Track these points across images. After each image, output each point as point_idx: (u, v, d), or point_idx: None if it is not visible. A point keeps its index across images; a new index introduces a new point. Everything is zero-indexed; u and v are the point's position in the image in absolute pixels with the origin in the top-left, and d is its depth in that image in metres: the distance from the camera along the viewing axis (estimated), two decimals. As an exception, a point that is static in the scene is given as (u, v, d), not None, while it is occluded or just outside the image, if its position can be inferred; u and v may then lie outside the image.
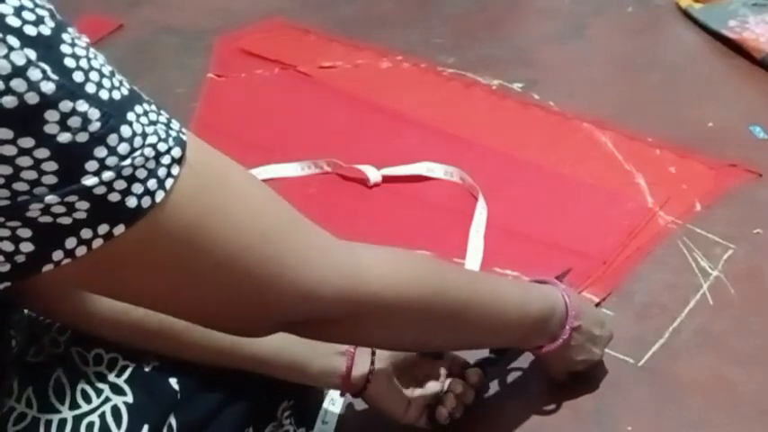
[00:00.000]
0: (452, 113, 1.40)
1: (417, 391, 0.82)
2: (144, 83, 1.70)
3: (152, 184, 0.46)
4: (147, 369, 0.66)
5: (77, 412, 0.63)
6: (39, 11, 0.43)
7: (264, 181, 1.24)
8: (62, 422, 0.63)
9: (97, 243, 0.45)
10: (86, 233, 0.45)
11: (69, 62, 0.43)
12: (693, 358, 0.95)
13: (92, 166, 0.44)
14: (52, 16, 0.44)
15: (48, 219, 0.44)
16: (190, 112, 1.42)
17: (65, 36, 0.44)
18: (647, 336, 0.98)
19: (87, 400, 0.64)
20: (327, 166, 1.25)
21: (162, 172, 0.46)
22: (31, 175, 0.42)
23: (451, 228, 1.15)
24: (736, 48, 1.56)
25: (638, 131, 1.33)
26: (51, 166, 0.43)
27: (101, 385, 0.65)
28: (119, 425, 0.63)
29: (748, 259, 1.09)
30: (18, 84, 0.41)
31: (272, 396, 0.75)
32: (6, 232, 0.44)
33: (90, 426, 0.63)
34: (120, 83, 0.46)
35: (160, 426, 0.65)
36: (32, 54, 0.41)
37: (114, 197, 0.45)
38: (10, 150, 0.42)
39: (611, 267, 1.06)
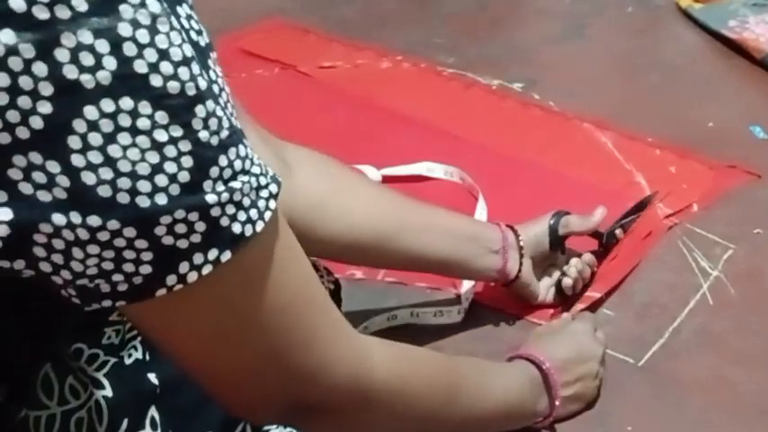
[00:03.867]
0: (452, 113, 1.40)
1: (546, 278, 1.00)
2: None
3: (253, 213, 0.46)
4: (127, 363, 0.65)
5: (66, 408, 0.63)
6: (201, 26, 0.46)
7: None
8: (51, 418, 0.63)
9: (206, 269, 0.45)
10: (198, 258, 0.45)
11: (212, 74, 0.45)
12: (693, 358, 0.95)
13: (214, 172, 0.44)
14: (208, 35, 0.46)
15: (169, 240, 0.43)
16: (190, 112, 1.42)
17: (212, 54, 0.46)
18: (647, 336, 0.98)
19: (76, 395, 0.64)
20: (327, 166, 1.25)
21: (262, 204, 0.47)
22: (172, 168, 0.42)
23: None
24: (736, 48, 1.56)
25: (638, 131, 1.33)
26: (188, 161, 0.43)
27: (85, 379, 0.65)
28: (100, 420, 0.63)
29: (748, 259, 1.09)
30: (183, 72, 0.41)
31: None
32: (132, 254, 0.43)
33: (79, 422, 0.63)
34: (234, 115, 0.47)
35: (141, 419, 0.65)
36: (193, 53, 0.43)
37: (225, 221, 0.45)
38: (161, 136, 0.42)
39: (612, 266, 1.06)
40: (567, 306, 1.00)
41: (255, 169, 0.47)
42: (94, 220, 0.41)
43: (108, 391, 0.64)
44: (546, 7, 1.79)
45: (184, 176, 0.43)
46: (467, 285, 1.03)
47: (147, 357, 0.65)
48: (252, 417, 0.61)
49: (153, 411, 0.65)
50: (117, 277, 0.45)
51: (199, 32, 0.45)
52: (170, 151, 0.42)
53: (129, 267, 0.44)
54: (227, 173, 0.45)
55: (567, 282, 0.98)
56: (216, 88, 0.45)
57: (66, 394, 0.64)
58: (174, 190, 0.43)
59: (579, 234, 0.99)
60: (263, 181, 0.47)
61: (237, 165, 0.45)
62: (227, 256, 0.45)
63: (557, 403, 0.82)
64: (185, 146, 0.43)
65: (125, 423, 0.64)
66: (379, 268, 0.92)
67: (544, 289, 1.00)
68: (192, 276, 0.45)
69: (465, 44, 1.62)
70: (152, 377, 0.65)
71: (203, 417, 0.68)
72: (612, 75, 1.54)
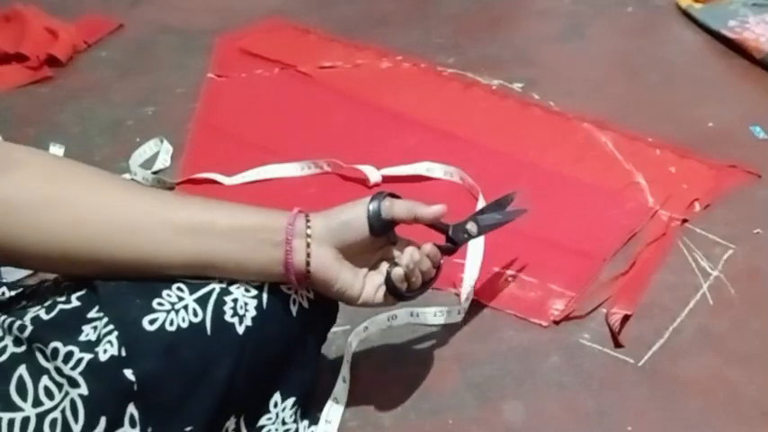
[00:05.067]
0: (452, 113, 1.40)
1: (371, 272, 0.80)
2: (144, 83, 1.72)
3: None
4: (102, 360, 0.65)
5: (41, 410, 0.63)
6: None
7: (264, 181, 1.25)
8: (25, 420, 0.62)
9: None
10: None
11: None
12: (694, 358, 0.95)
13: None
14: None
15: None
16: (190, 111, 1.42)
17: None
18: (648, 336, 0.98)
19: (50, 396, 0.64)
20: (327, 166, 1.25)
21: None
22: None
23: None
24: (736, 48, 1.56)
25: (638, 131, 1.33)
26: None
27: (60, 380, 0.64)
28: (76, 419, 0.63)
29: (748, 259, 1.08)
30: None
31: (259, 387, 0.74)
32: None
33: (53, 423, 0.63)
34: None
35: (119, 417, 0.64)
36: None
37: None
38: None
39: (631, 279, 1.06)
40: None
41: None
42: None
43: (83, 390, 0.64)
44: (546, 7, 1.79)
45: None
46: (467, 285, 1.03)
47: (123, 353, 0.65)
48: None
49: (132, 409, 0.65)
50: None
51: None
52: None
53: None
54: None
55: (398, 271, 0.79)
56: None
57: (41, 395, 0.64)
58: None
59: (408, 222, 0.80)
60: None
61: None
62: None
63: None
64: None
65: (103, 421, 0.64)
66: (115, 275, 0.71)
67: (372, 287, 0.80)
68: None
69: (465, 44, 1.62)
70: (128, 373, 0.65)
71: (185, 413, 0.68)
72: (612, 75, 1.54)
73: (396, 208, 0.78)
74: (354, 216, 0.77)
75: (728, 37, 1.57)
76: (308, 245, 0.74)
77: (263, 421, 0.76)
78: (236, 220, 0.73)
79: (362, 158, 1.24)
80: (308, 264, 0.74)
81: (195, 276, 0.72)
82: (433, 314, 1.00)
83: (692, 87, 1.48)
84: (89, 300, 0.68)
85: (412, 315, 1.00)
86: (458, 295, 1.03)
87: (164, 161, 1.30)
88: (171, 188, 1.23)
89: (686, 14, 1.70)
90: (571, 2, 1.78)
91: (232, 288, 0.72)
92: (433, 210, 0.81)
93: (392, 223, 0.79)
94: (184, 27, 1.71)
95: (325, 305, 0.80)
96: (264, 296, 0.73)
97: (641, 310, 1.01)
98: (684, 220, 1.15)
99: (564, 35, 1.67)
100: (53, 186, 0.68)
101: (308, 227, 0.75)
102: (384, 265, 0.81)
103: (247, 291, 0.73)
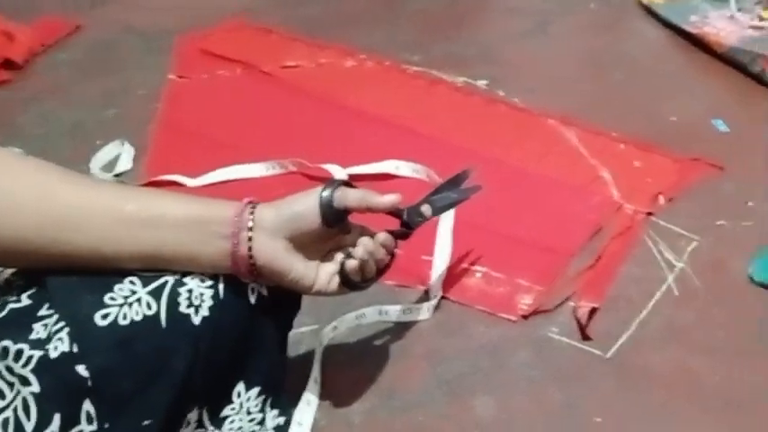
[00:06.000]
0: (417, 111, 1.39)
1: (329, 264, 0.79)
2: (105, 84, 1.69)
3: None
4: (52, 357, 0.64)
5: None
6: None
7: (229, 182, 1.23)
8: None
9: None
10: None
11: None
12: (660, 350, 0.95)
13: None
14: None
15: None
16: (152, 113, 1.40)
17: None
18: (614, 328, 0.98)
19: (1, 395, 0.63)
20: (293, 166, 1.24)
21: None
22: None
23: (419, 225, 1.14)
24: (697, 42, 1.58)
25: (602, 127, 1.34)
26: None
27: (11, 378, 0.63)
28: (28, 417, 0.62)
29: (712, 251, 1.10)
30: None
31: (220, 377, 0.73)
32: None
33: (5, 422, 0.62)
34: None
35: (75, 413, 0.64)
36: None
37: None
38: None
39: (597, 272, 1.06)
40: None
41: None
42: None
43: (35, 387, 0.63)
44: (510, 5, 1.79)
45: None
46: (435, 283, 1.02)
47: (75, 349, 0.64)
48: None
49: (87, 405, 0.64)
50: None
51: None
52: None
53: None
54: None
55: (352, 264, 0.78)
56: None
57: None
58: None
59: (360, 211, 0.79)
60: None
61: None
62: None
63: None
64: None
65: (57, 418, 0.63)
66: (64, 266, 0.69)
67: (325, 275, 0.78)
68: None
69: (430, 42, 1.62)
70: (81, 369, 0.64)
71: (142, 406, 0.67)
72: (577, 71, 1.55)
73: (349, 198, 0.77)
74: (306, 206, 0.75)
75: (690, 32, 1.59)
76: (250, 238, 0.72)
77: (226, 411, 0.75)
78: (187, 212, 0.71)
79: (328, 158, 1.24)
80: (250, 257, 0.72)
81: (148, 269, 0.70)
82: (401, 312, 1.00)
83: (655, 82, 1.49)
84: (40, 298, 0.67)
85: (381, 313, 0.99)
86: (426, 293, 1.03)
87: (125, 163, 1.28)
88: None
89: (648, 10, 1.72)
90: (535, -1, 1.79)
91: (186, 279, 0.71)
92: (385, 200, 0.80)
93: (345, 212, 0.78)
94: (146, 28, 1.69)
95: (287, 292, 0.78)
96: (221, 285, 0.72)
97: (608, 303, 1.02)
98: (649, 214, 1.16)
99: (528, 32, 1.67)
100: None
101: (251, 219, 0.73)
102: (338, 255, 0.80)
103: (203, 281, 0.71)
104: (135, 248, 0.69)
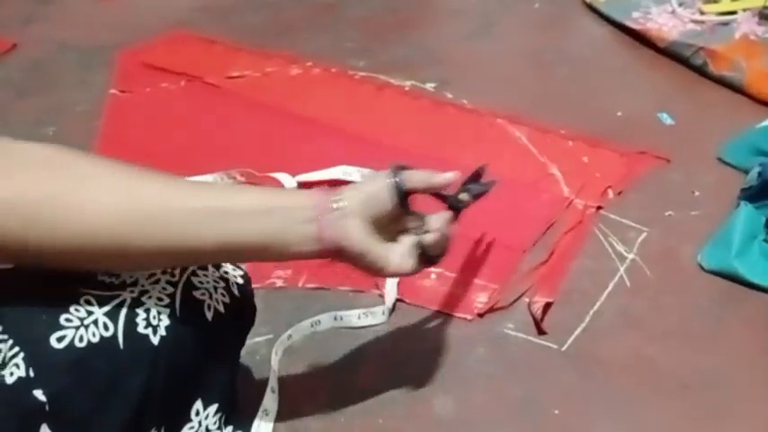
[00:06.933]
0: (366, 116, 1.39)
1: (397, 246, 0.80)
2: (42, 103, 1.64)
3: None
4: (9, 383, 0.63)
5: None
6: None
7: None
8: None
9: None
10: None
11: None
12: (614, 339, 0.96)
13: None
14: None
15: None
16: (93, 130, 1.37)
17: None
18: (569, 321, 0.99)
19: None
20: (241, 177, 1.22)
21: None
22: None
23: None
24: (640, 38, 1.60)
25: (550, 124, 1.35)
26: None
27: None
28: None
29: (661, 241, 1.11)
30: None
31: (177, 396, 0.72)
32: None
33: None
34: None
35: None
36: None
37: None
38: None
39: (551, 267, 1.07)
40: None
41: None
42: None
43: None
44: (454, 7, 1.80)
45: None
46: (390, 286, 1.02)
47: (32, 373, 0.63)
48: None
49: (45, 430, 0.63)
50: None
51: None
52: None
53: None
54: None
55: (430, 237, 0.80)
56: None
57: None
58: None
59: (424, 191, 0.81)
60: None
61: None
62: None
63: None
64: None
65: None
66: (137, 270, 0.71)
67: (397, 256, 0.80)
68: None
69: (375, 47, 1.61)
70: (38, 394, 0.63)
71: (100, 427, 0.66)
72: (523, 70, 1.56)
73: (414, 178, 0.79)
74: (378, 188, 0.77)
75: (633, 28, 1.61)
76: (336, 220, 0.74)
77: (185, 431, 0.74)
78: (265, 200, 0.72)
79: (277, 166, 1.22)
80: (336, 239, 0.74)
81: (228, 261, 0.75)
82: (357, 316, 0.99)
83: (601, 78, 1.51)
84: None
85: (336, 319, 0.98)
86: (381, 296, 1.02)
87: (70, 181, 1.25)
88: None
89: (591, 8, 1.74)
90: (478, 1, 1.80)
91: (144, 298, 0.70)
92: (447, 176, 0.82)
93: (409, 194, 0.80)
94: (82, 43, 1.65)
95: (243, 308, 0.78)
96: (177, 305, 0.71)
97: (562, 296, 1.02)
98: (599, 207, 1.17)
99: (473, 33, 1.68)
100: (59, 180, 0.66)
101: (336, 201, 0.74)
102: (403, 237, 0.81)
103: (160, 300, 0.70)
104: (217, 240, 0.69)
